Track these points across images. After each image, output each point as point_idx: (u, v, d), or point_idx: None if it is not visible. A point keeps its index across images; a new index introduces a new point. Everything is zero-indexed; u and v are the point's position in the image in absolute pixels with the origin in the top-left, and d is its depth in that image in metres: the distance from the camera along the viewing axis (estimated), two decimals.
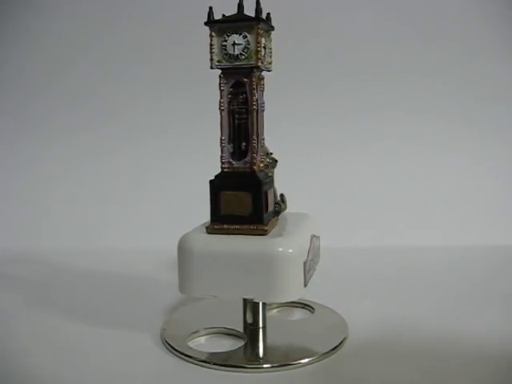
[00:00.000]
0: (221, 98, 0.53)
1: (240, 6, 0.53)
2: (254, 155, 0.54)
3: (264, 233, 0.53)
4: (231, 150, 0.54)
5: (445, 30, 1.01)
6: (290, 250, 0.52)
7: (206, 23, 0.53)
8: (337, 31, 1.01)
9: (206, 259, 0.53)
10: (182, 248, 0.54)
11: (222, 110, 0.54)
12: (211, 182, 0.54)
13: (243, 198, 0.53)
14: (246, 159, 0.54)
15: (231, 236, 0.53)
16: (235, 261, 0.52)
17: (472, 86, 1.01)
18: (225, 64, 0.53)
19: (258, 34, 0.52)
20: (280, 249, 0.52)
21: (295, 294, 0.53)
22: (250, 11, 0.53)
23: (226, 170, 0.54)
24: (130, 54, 1.03)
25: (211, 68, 0.53)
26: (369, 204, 0.99)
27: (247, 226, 0.53)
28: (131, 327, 0.62)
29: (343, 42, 1.01)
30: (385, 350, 0.56)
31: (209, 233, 0.54)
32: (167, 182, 1.02)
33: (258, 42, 0.52)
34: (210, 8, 0.53)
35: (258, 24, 0.52)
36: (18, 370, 0.53)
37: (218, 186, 0.54)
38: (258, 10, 0.52)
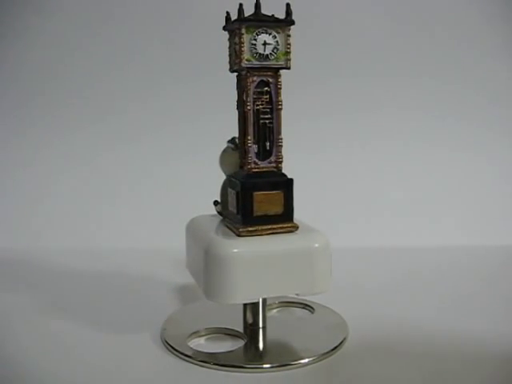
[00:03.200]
0: (247, 97, 0.53)
1: (257, 6, 0.52)
2: (279, 154, 0.54)
3: (295, 230, 0.54)
4: (256, 150, 0.54)
5: (446, 29, 1.01)
6: (326, 243, 0.54)
7: (236, 20, 0.52)
8: (336, 30, 1.01)
9: (249, 263, 0.51)
10: (217, 255, 0.51)
11: (249, 109, 0.53)
12: (242, 183, 0.53)
13: (275, 197, 0.53)
14: (271, 159, 0.54)
15: (266, 237, 0.53)
16: (279, 260, 0.52)
17: (473, 86, 1.01)
18: (254, 63, 0.52)
19: (288, 35, 0.52)
20: (320, 243, 0.54)
21: (329, 283, 0.55)
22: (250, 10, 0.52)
23: (254, 170, 0.54)
24: (130, 53, 1.03)
25: (239, 66, 0.52)
26: (369, 204, 0.99)
27: (279, 225, 0.54)
28: (131, 327, 0.62)
29: (341, 41, 1.01)
30: (385, 350, 0.56)
31: (243, 236, 0.53)
32: (167, 181, 1.02)
33: (288, 44, 0.53)
34: (241, 5, 0.51)
35: (289, 25, 0.52)
36: (17, 370, 0.53)
37: (250, 187, 0.53)
38: (289, 11, 0.52)
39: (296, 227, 0.54)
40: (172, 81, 1.02)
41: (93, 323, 0.63)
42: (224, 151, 0.60)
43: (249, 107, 0.53)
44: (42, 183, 1.03)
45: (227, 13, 0.55)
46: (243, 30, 0.51)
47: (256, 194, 0.53)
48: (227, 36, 0.56)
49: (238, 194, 0.54)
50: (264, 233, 0.53)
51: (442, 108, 1.02)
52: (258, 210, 0.53)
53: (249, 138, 0.53)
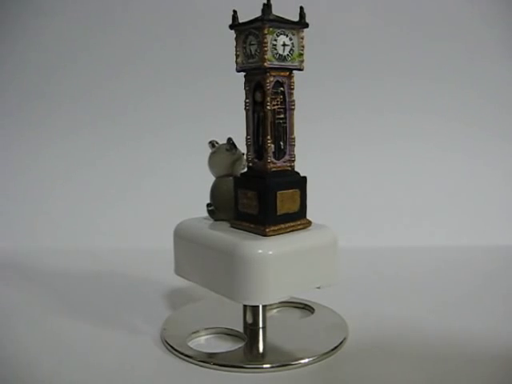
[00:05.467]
0: (266, 97, 0.53)
1: (268, 6, 0.52)
2: (293, 153, 0.55)
3: (310, 225, 0.56)
4: (273, 150, 0.54)
5: (448, 29, 1.01)
6: (336, 236, 0.57)
7: (259, 19, 0.51)
8: (335, 31, 1.01)
9: (282, 262, 0.52)
10: (249, 257, 0.51)
11: (268, 109, 0.53)
12: (266, 182, 0.53)
13: (294, 195, 0.55)
14: (286, 157, 0.55)
15: (286, 235, 0.54)
16: (307, 256, 0.54)
17: (473, 87, 1.01)
18: (275, 63, 0.52)
19: (301, 37, 0.53)
20: (334, 236, 0.57)
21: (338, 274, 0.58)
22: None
23: (274, 169, 0.54)
24: (130, 53, 1.03)
25: (262, 65, 0.52)
26: (369, 204, 0.99)
27: (297, 222, 0.55)
28: (131, 327, 0.62)
29: (345, 44, 1.01)
30: (385, 350, 0.56)
31: (269, 235, 0.53)
32: (166, 181, 1.02)
33: (302, 46, 0.53)
34: (264, 5, 0.51)
35: (303, 28, 0.53)
36: (18, 370, 0.53)
37: (274, 187, 0.53)
38: (303, 14, 0.53)
39: (310, 223, 0.56)
40: (171, 82, 1.02)
41: (93, 323, 0.63)
42: (214, 152, 0.59)
43: (268, 107, 0.53)
44: (43, 183, 1.03)
45: (234, 11, 0.54)
46: (266, 31, 0.51)
47: (279, 193, 0.53)
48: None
49: (259, 193, 0.53)
50: (286, 231, 0.54)
51: (443, 109, 1.02)
52: (281, 208, 0.54)
53: (268, 137, 0.53)
